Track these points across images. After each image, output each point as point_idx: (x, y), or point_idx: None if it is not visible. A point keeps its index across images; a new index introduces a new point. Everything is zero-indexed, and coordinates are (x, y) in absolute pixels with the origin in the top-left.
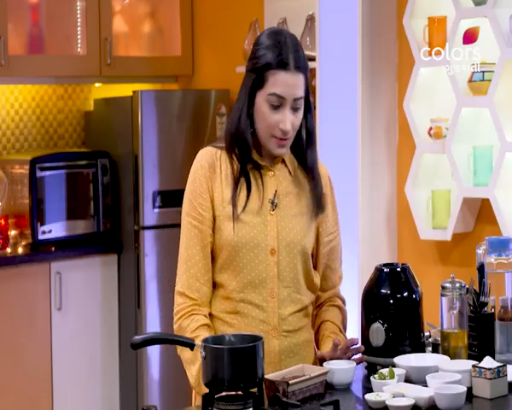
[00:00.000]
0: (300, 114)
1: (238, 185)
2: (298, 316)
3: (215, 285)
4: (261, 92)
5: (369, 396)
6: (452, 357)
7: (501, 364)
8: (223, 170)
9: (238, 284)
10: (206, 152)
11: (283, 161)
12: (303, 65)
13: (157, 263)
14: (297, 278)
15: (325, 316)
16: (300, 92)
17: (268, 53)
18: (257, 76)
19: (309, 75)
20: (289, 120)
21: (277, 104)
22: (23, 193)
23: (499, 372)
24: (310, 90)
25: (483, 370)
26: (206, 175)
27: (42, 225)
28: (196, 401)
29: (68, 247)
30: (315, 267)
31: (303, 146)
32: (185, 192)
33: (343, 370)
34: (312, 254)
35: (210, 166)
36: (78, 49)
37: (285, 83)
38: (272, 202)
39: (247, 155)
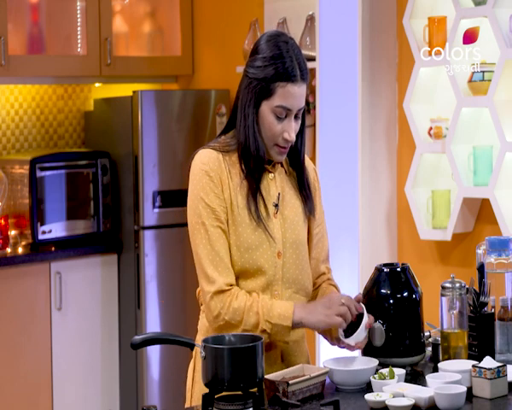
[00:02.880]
0: (300, 120)
1: (254, 194)
2: None
3: None
4: (267, 102)
5: (369, 396)
6: (452, 357)
7: (501, 364)
8: (228, 174)
9: (248, 286)
10: (209, 155)
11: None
12: (307, 73)
13: (157, 263)
14: (298, 278)
15: (324, 294)
16: (304, 102)
17: (277, 64)
18: (264, 86)
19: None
20: (294, 131)
21: (283, 115)
22: (23, 193)
23: (499, 372)
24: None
25: (483, 370)
26: (216, 177)
27: (42, 225)
28: (194, 391)
29: (68, 247)
30: None
31: (296, 148)
32: (195, 198)
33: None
34: None
35: (218, 169)
36: (78, 49)
37: (293, 95)
38: (276, 206)
39: (262, 165)
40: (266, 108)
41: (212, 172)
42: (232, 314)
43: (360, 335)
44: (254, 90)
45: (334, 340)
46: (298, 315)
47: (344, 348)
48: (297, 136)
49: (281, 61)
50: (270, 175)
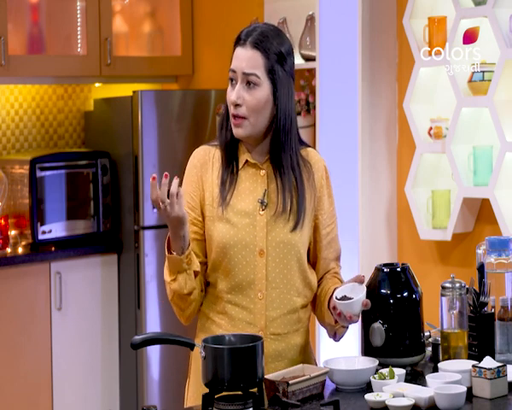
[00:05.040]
0: (257, 93)
1: (226, 185)
2: (288, 319)
3: (208, 284)
4: None
5: (369, 396)
6: (452, 357)
7: (501, 364)
8: (215, 169)
9: (226, 285)
10: (200, 151)
11: (272, 159)
12: (265, 46)
13: (157, 263)
14: (287, 278)
15: (327, 283)
16: (252, 68)
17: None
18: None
19: (277, 63)
20: (236, 92)
21: (232, 78)
22: (23, 193)
23: (499, 372)
24: (279, 78)
25: (483, 370)
26: (197, 175)
27: (42, 225)
28: (189, 393)
29: (68, 247)
30: (313, 264)
31: (279, 146)
32: None
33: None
34: (309, 249)
35: (202, 166)
36: (78, 49)
37: (236, 57)
38: (262, 202)
39: (234, 153)
40: None
41: (194, 168)
42: (170, 297)
43: (353, 306)
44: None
45: (326, 325)
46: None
47: (336, 338)
48: (277, 130)
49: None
50: (262, 171)
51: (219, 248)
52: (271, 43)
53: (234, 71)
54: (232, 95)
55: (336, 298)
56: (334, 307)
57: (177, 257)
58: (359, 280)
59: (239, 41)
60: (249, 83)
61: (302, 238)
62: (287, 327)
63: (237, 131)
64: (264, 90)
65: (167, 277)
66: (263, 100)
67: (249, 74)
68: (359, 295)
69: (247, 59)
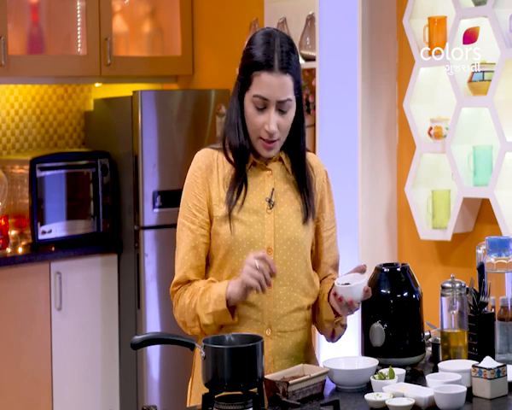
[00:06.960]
0: (289, 115)
1: (234, 185)
2: (294, 316)
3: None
4: (248, 93)
5: (369, 396)
6: (452, 357)
7: (501, 364)
8: (220, 171)
9: None
10: (204, 153)
11: (280, 159)
12: (290, 66)
13: (157, 263)
14: (293, 276)
15: (324, 286)
16: (286, 94)
17: (255, 53)
18: (245, 77)
19: (300, 76)
20: (274, 122)
21: (262, 106)
22: (23, 193)
23: (499, 372)
24: (302, 92)
25: (483, 370)
26: (203, 176)
27: (42, 225)
28: (192, 392)
29: (68, 247)
30: (315, 267)
31: (295, 146)
32: (182, 196)
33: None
34: (311, 252)
35: (207, 168)
36: (78, 49)
37: (268, 84)
38: (269, 201)
39: (244, 157)
40: (247, 99)
41: (199, 170)
42: (178, 314)
43: (354, 291)
44: (237, 83)
45: (325, 323)
46: (228, 292)
47: (334, 339)
48: (295, 133)
49: (258, 50)
50: (268, 172)
51: (227, 246)
52: (293, 58)
53: (266, 99)
54: (269, 124)
55: (337, 284)
56: (335, 294)
57: (229, 317)
58: (361, 270)
59: (264, 66)
60: (282, 108)
61: (308, 236)
62: (293, 325)
63: (270, 154)
64: (293, 108)
65: (205, 319)
66: (292, 118)
67: (284, 101)
68: (361, 281)
69: (280, 87)
